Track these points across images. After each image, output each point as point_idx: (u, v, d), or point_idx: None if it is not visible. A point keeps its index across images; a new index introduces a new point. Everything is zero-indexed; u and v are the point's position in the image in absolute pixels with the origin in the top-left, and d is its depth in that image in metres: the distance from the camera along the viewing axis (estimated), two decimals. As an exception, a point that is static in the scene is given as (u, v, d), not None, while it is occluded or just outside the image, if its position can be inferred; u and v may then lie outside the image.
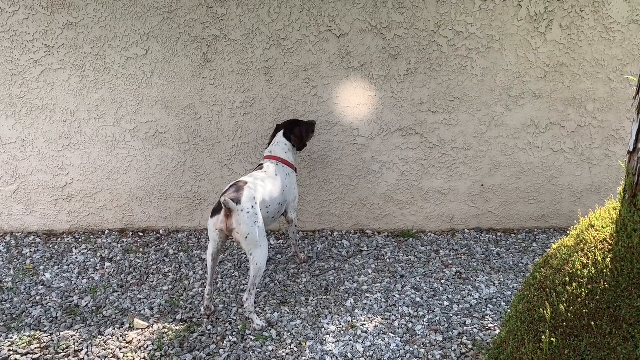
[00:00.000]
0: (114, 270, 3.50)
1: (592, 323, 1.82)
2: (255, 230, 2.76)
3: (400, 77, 3.75)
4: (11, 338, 2.76)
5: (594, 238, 2.02)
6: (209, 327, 2.89)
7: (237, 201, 2.72)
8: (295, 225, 3.49)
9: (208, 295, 2.95)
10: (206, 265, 3.47)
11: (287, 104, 3.78)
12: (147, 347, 2.71)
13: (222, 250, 3.43)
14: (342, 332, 2.86)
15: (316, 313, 3.03)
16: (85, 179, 3.92)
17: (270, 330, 2.85)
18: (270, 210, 3.08)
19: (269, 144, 3.44)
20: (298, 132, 3.40)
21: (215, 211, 2.81)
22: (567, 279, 1.96)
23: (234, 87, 3.73)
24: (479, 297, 3.23)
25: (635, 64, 3.81)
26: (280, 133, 3.41)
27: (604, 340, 1.79)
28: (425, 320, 2.98)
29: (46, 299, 3.15)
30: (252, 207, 2.77)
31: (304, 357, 2.64)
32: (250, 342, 2.76)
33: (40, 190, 3.93)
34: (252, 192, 2.84)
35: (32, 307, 3.07)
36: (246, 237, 2.74)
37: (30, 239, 3.94)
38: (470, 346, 2.74)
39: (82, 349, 2.68)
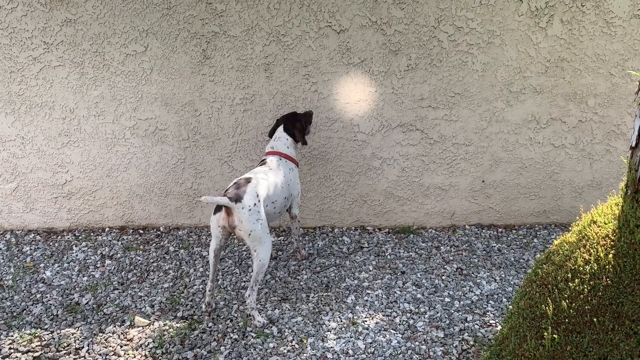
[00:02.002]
0: (114, 268, 3.50)
1: (595, 319, 1.81)
2: (258, 227, 2.75)
3: (400, 72, 3.73)
4: (12, 336, 2.76)
5: (596, 234, 2.01)
6: (210, 324, 2.88)
7: (239, 199, 2.71)
8: (298, 221, 3.49)
9: (209, 292, 2.94)
10: (208, 262, 3.47)
11: (287, 100, 3.77)
12: (148, 344, 2.71)
13: (224, 247, 3.43)
14: (343, 328, 2.85)
15: (317, 310, 3.03)
16: (85, 176, 3.91)
17: (271, 327, 2.85)
18: (277, 205, 3.08)
19: (270, 134, 3.44)
20: (299, 126, 3.39)
21: (218, 208, 2.80)
22: (569, 275, 1.95)
23: (234, 84, 3.71)
24: (480, 293, 3.22)
25: (636, 59, 3.79)
26: (281, 128, 3.40)
27: (606, 337, 1.78)
28: (426, 316, 2.97)
29: (47, 297, 3.15)
30: (255, 204, 2.76)
31: (304, 354, 2.64)
32: (251, 339, 2.75)
33: (40, 188, 3.92)
34: (254, 189, 2.82)
35: (32, 305, 3.07)
36: (249, 234, 2.73)
37: (30, 236, 3.93)
38: (471, 342, 2.74)
39: (82, 347, 2.68)
